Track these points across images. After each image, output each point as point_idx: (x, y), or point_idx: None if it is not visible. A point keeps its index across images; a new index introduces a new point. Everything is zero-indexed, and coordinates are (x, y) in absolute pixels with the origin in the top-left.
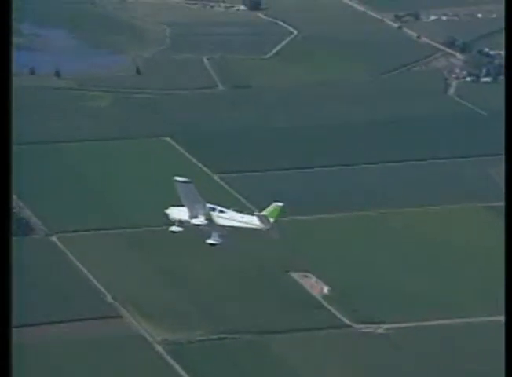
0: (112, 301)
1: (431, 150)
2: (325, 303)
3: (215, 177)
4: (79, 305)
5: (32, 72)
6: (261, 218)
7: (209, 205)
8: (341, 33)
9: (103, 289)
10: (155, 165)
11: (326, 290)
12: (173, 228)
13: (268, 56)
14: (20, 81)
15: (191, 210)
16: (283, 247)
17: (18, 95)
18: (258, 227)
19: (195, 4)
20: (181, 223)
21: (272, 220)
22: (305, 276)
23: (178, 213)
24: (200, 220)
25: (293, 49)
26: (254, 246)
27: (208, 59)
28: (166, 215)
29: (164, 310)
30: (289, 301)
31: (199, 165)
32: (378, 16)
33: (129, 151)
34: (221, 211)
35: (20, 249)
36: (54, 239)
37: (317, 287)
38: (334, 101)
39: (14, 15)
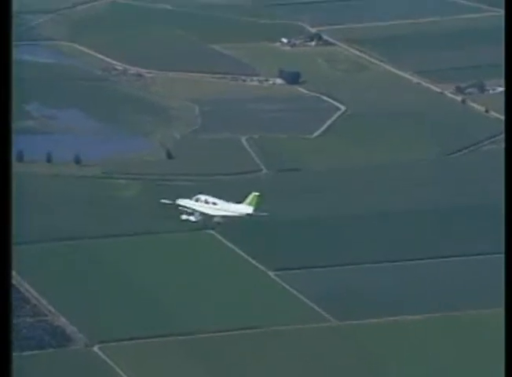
0: None
1: None
2: None
3: (270, 273)
4: None
5: (49, 159)
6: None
7: (203, 197)
8: (395, 108)
9: None
10: (200, 262)
11: None
12: (183, 217)
13: (315, 135)
14: (35, 169)
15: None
16: (359, 356)
17: (34, 186)
18: (243, 214)
19: (223, 78)
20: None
21: (251, 208)
22: None
23: (185, 204)
24: (195, 216)
25: (342, 126)
26: (325, 353)
27: (247, 139)
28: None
29: None
30: None
31: (252, 261)
32: (436, 89)
33: (169, 246)
34: (214, 203)
35: (58, 363)
36: (96, 349)
37: None
38: (396, 186)
39: (20, 96)
